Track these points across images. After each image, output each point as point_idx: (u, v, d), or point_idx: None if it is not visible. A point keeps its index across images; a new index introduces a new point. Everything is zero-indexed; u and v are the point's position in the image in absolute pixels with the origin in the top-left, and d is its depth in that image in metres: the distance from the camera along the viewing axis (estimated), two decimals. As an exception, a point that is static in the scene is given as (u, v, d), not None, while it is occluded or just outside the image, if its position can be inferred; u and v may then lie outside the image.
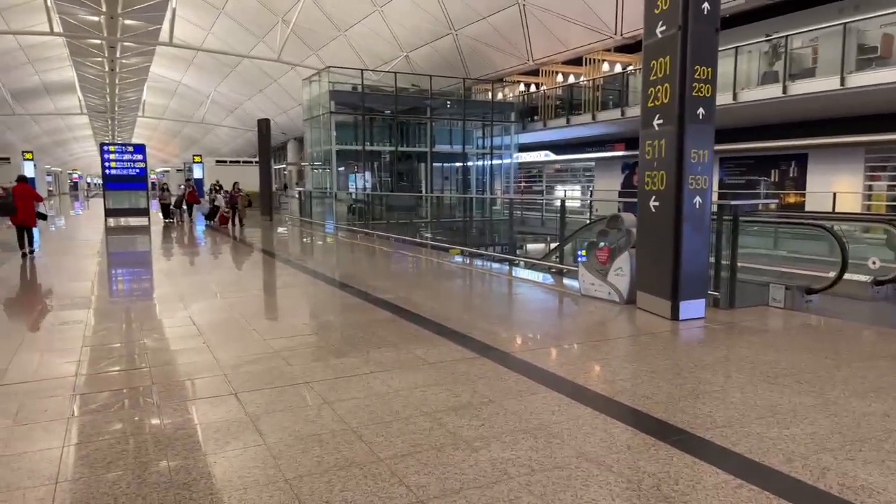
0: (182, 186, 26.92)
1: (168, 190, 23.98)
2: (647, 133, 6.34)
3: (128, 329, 6.15)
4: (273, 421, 3.60)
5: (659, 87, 6.15)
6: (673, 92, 5.95)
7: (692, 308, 6.09)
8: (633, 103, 19.67)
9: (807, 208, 17.89)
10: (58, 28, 25.81)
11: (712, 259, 6.62)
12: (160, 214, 22.28)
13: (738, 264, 6.82)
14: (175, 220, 21.71)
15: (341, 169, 24.22)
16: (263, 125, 24.89)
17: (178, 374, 4.56)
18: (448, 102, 25.58)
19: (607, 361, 4.82)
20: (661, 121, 6.15)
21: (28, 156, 41.97)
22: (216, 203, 20.78)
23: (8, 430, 3.51)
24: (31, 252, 11.71)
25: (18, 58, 32.92)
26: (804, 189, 18.29)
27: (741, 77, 16.20)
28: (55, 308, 7.20)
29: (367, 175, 24.80)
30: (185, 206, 22.51)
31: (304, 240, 17.36)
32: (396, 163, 24.75)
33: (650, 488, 2.78)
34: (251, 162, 39.78)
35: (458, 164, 26.71)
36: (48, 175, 51.50)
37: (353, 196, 24.08)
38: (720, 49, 6.48)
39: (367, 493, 2.76)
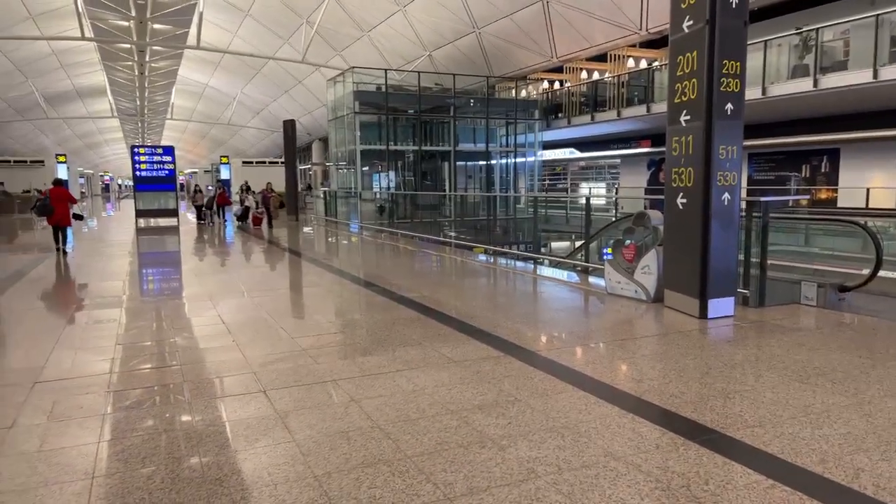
0: (210, 188, 27.49)
1: (200, 191, 24.01)
2: (674, 129, 6.26)
3: (159, 327, 6.27)
4: (301, 418, 3.64)
5: (686, 82, 6.07)
6: (700, 87, 5.86)
7: (721, 306, 6.01)
8: (659, 99, 19.44)
9: (839, 204, 17.51)
10: (89, 33, 26.39)
11: (741, 256, 6.52)
12: (188, 215, 22.68)
13: (769, 262, 6.69)
14: (207, 222, 21.77)
15: (365, 169, 24.35)
16: (289, 126, 25.14)
17: (208, 372, 4.64)
18: (471, 101, 25.56)
19: (634, 360, 4.78)
20: (688, 117, 6.07)
21: (61, 159, 43.04)
22: (246, 204, 20.84)
23: (45, 426, 3.61)
24: (64, 250, 12.42)
25: (51, 63, 33.78)
26: (836, 185, 17.89)
27: (770, 71, 15.90)
28: (89, 307, 7.37)
29: (391, 174, 24.90)
30: (215, 208, 22.46)
31: (330, 239, 17.51)
32: (420, 162, 24.81)
33: (679, 488, 2.76)
34: (277, 163, 40.26)
35: (482, 163, 26.68)
36: (81, 177, 52.69)
37: (378, 195, 24.20)
38: (749, 43, 6.36)
39: (395, 490, 2.78)
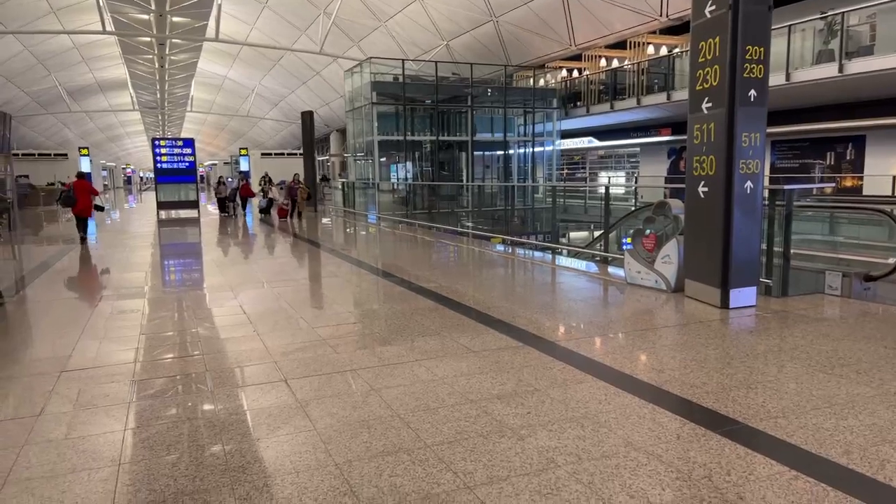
0: (230, 179, 26.41)
1: (224, 183, 23.31)
2: (696, 117, 6.17)
3: (181, 318, 6.36)
4: (322, 407, 3.68)
5: (708, 69, 5.97)
6: (723, 74, 5.77)
7: (743, 296, 5.93)
8: (680, 87, 19.17)
9: (864, 192, 17.17)
10: (110, 27, 26.67)
11: (764, 245, 6.43)
12: (209, 207, 22.84)
13: (792, 251, 6.60)
14: (230, 214, 21.45)
15: (383, 159, 24.36)
16: (307, 117, 25.23)
17: (230, 361, 4.70)
18: (489, 90, 25.41)
19: (655, 350, 4.75)
20: (710, 104, 5.98)
21: (84, 151, 43.68)
22: (271, 196, 20.51)
23: (72, 414, 3.68)
24: (84, 237, 13.13)
25: (73, 57, 34.19)
26: (862, 172, 17.53)
27: (794, 56, 15.59)
28: (114, 297, 7.49)
29: (409, 165, 24.89)
30: (238, 200, 22.14)
31: (348, 230, 17.58)
32: (437, 152, 24.76)
33: (701, 478, 2.74)
34: (295, 154, 40.44)
35: (500, 153, 26.56)
36: (104, 170, 53.45)
37: (395, 186, 24.22)
38: (772, 28, 6.24)
39: (416, 478, 2.79)
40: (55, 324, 6.13)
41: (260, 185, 25.07)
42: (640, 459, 2.92)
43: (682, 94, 18.38)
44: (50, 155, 43.47)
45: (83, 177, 14.31)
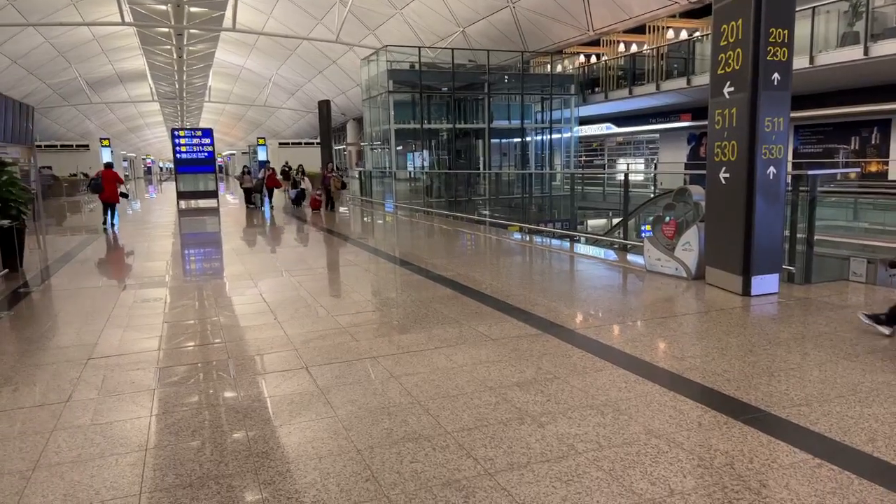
0: (248, 169, 25.81)
1: (249, 172, 21.86)
2: (717, 101, 6.08)
3: (203, 306, 6.44)
4: (343, 394, 3.71)
5: (730, 52, 5.87)
6: (745, 57, 5.67)
7: (765, 283, 5.86)
8: (700, 71, 18.86)
9: (890, 177, 16.82)
10: (129, 18, 26.86)
11: (787, 232, 6.34)
12: (227, 197, 22.86)
13: (815, 237, 6.49)
14: (257, 206, 20.13)
15: (399, 148, 24.34)
16: (324, 107, 25.29)
17: (252, 349, 4.76)
18: (506, 77, 25.23)
19: (675, 338, 4.71)
20: (731, 88, 5.88)
21: (105, 142, 44.22)
22: (302, 186, 19.49)
23: (99, 400, 3.76)
24: (113, 225, 14.24)
25: (93, 48, 34.56)
26: (887, 157, 17.16)
27: (818, 39, 15.25)
28: (137, 286, 7.60)
29: (425, 153, 24.85)
30: (265, 191, 20.65)
31: (365, 219, 17.63)
32: (454, 140, 24.69)
33: (723, 466, 2.73)
34: (312, 143, 40.58)
35: (517, 140, 26.41)
36: (124, 160, 54.11)
37: (412, 174, 24.21)
38: (796, 10, 6.10)
39: (436, 464, 2.81)
40: (80, 312, 6.24)
41: (292, 174, 23.34)
42: (662, 447, 2.91)
43: (702, 79, 18.09)
44: (72, 146, 44.16)
45: (110, 166, 15.44)
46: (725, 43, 5.93)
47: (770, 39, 5.60)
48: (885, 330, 4.52)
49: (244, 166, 24.70)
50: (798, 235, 6.41)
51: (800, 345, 4.46)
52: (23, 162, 13.11)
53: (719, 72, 6.04)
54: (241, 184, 21.68)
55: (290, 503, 2.54)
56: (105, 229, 13.64)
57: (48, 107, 40.67)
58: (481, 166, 24.87)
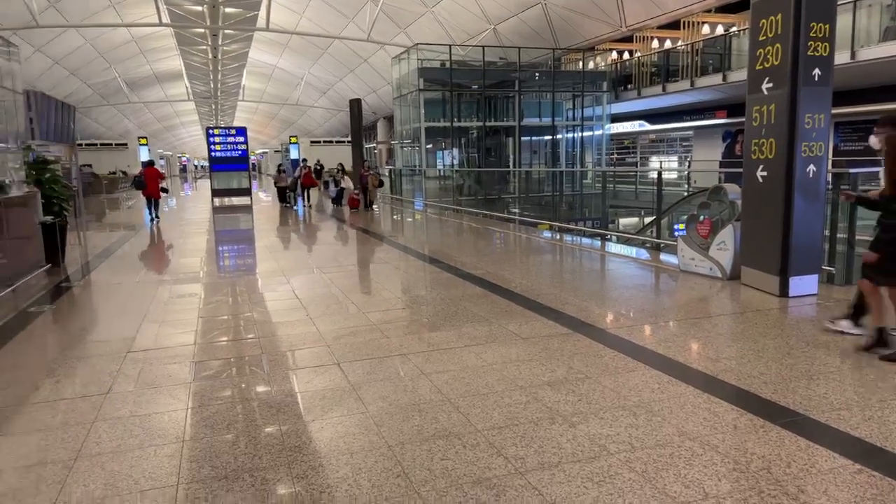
0: (283, 167, 23.70)
1: (284, 171, 21.50)
2: (755, 98, 5.95)
3: (237, 302, 6.55)
4: (374, 390, 3.74)
5: (769, 47, 5.73)
6: (785, 52, 5.53)
7: (803, 284, 5.72)
8: (737, 67, 18.47)
9: (936, 175, 16.21)
10: (166, 19, 27.44)
11: (827, 232, 6.18)
12: (260, 194, 23.07)
13: (857, 237, 6.31)
14: (291, 205, 19.64)
15: (429, 146, 24.38)
16: (355, 105, 25.42)
17: (285, 345, 4.82)
18: (537, 74, 25.07)
19: (710, 339, 4.63)
20: (770, 84, 5.75)
21: (143, 141, 45.29)
22: (342, 185, 18.78)
23: (138, 392, 3.85)
24: (157, 218, 15.50)
25: (132, 49, 35.39)
26: (933, 154, 16.56)
27: (860, 33, 14.80)
28: (173, 282, 7.77)
29: (455, 151, 24.84)
30: (300, 190, 20.07)
31: (395, 217, 17.71)
32: (484, 138, 24.64)
33: (759, 470, 2.67)
34: (343, 142, 40.92)
35: (548, 138, 26.23)
36: (161, 159, 55.30)
37: (442, 172, 24.24)
38: (838, 3, 5.94)
39: (467, 462, 2.82)
40: (119, 307, 6.40)
41: (333, 172, 22.47)
42: (696, 449, 2.87)
43: (739, 75, 17.70)
44: (111, 145, 45.37)
45: (152, 164, 16.91)
46: (764, 38, 5.80)
47: (811, 34, 5.45)
48: (857, 330, 4.46)
49: (279, 165, 24.29)
50: (838, 235, 6.24)
51: (839, 347, 4.34)
52: (64, 160, 13.51)
53: (757, 67, 5.91)
54: (275, 182, 20.82)
55: (323, 497, 2.57)
56: (153, 220, 15.31)
57: (88, 106, 41.79)
58: (511, 164, 24.78)
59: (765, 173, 5.85)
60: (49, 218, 8.59)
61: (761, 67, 5.86)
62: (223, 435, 3.19)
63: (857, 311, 4.50)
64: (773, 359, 4.09)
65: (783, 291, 5.70)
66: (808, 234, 5.69)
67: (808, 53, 5.46)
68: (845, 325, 4.57)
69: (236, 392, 3.82)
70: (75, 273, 8.44)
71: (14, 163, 8.36)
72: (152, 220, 15.39)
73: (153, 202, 15.73)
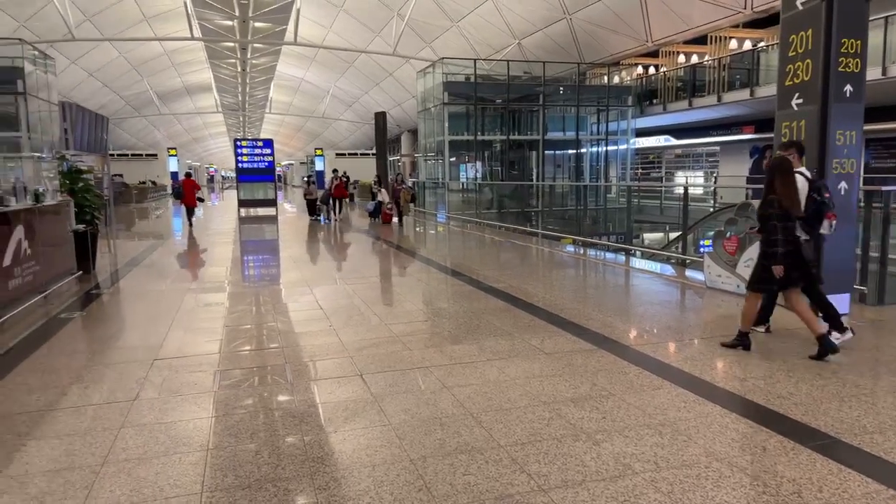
0: (304, 179, 22.47)
1: (314, 182, 20.61)
2: (784, 114, 5.87)
3: (261, 311, 6.61)
4: (396, 402, 3.74)
5: (799, 63, 5.67)
6: (816, 68, 5.47)
7: (836, 303, 5.58)
8: (765, 82, 18.27)
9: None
10: (197, 33, 28.05)
11: (859, 250, 6.05)
12: (285, 206, 23.24)
13: (890, 256, 6.18)
14: (323, 218, 18.70)
15: (453, 159, 24.45)
16: (380, 118, 25.65)
17: (308, 355, 4.85)
18: (561, 88, 25.07)
19: (738, 358, 4.55)
20: (800, 100, 5.67)
21: (172, 152, 46.18)
22: (379, 199, 18.06)
23: (164, 400, 3.90)
24: (191, 225, 16.97)
25: (164, 62, 36.21)
26: (969, 172, 16.18)
27: (892, 49, 14.55)
28: (200, 290, 7.87)
29: (478, 164, 24.89)
30: (332, 203, 18.97)
31: (417, 229, 17.76)
32: (507, 151, 24.66)
33: (790, 494, 2.61)
34: (368, 154, 41.27)
35: (571, 152, 26.16)
36: (189, 169, 56.28)
37: (465, 186, 24.28)
38: (869, 19, 5.86)
39: (489, 478, 2.80)
40: (147, 314, 6.51)
41: (372, 186, 21.27)
42: (723, 471, 2.81)
43: (767, 91, 17.50)
44: (141, 155, 46.36)
45: (190, 176, 18.45)
46: (794, 53, 5.74)
47: (842, 50, 5.39)
48: (761, 328, 5.07)
49: (308, 175, 23.60)
50: (871, 254, 6.11)
51: (872, 369, 4.23)
52: (97, 170, 13.83)
53: (787, 83, 5.84)
54: (305, 194, 19.90)
55: (345, 509, 2.57)
56: (190, 223, 17.08)
57: (121, 118, 42.75)
58: (534, 178, 24.73)
59: (794, 190, 5.75)
60: (81, 226, 8.78)
61: (791, 83, 5.79)
62: (247, 444, 3.21)
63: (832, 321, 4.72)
64: (803, 379, 4.01)
65: (815, 311, 5.58)
66: (839, 252, 5.58)
67: (840, 69, 5.39)
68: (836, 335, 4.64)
69: (260, 401, 3.85)
70: (105, 280, 8.61)
71: (49, 172, 8.59)
72: (190, 225, 16.96)
73: (189, 210, 17.41)
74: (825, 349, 4.35)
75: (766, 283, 4.61)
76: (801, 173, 4.85)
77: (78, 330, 5.96)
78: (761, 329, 5.12)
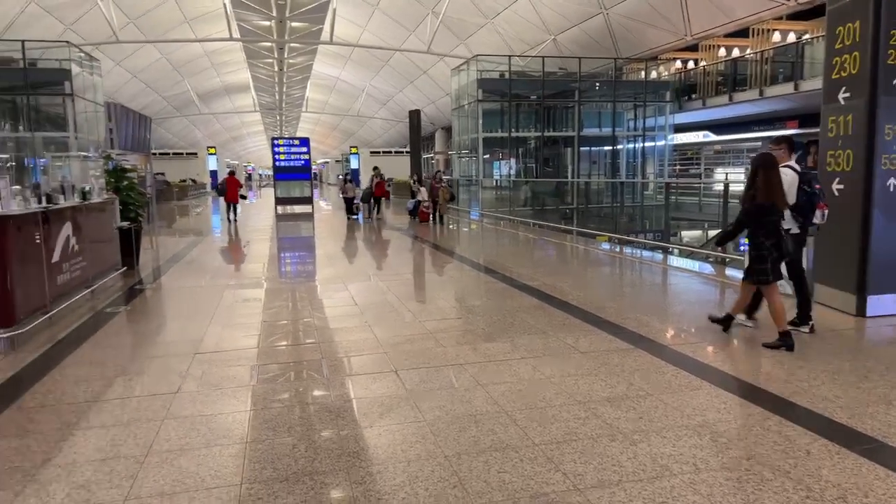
0: (340, 177, 21.84)
1: (351, 181, 20.06)
2: (830, 108, 5.69)
3: (297, 307, 6.71)
4: (430, 399, 3.75)
5: (846, 56, 5.49)
6: (863, 61, 5.28)
7: (883, 304, 5.42)
8: (810, 76, 17.72)
9: None
10: (236, 34, 28.58)
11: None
12: (321, 203, 23.48)
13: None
14: (366, 217, 18.22)
15: (487, 156, 24.39)
16: (414, 116, 25.75)
17: (343, 350, 4.91)
18: (597, 84, 24.77)
19: (780, 359, 4.43)
20: (847, 94, 5.49)
21: (212, 150, 47.19)
22: (419, 198, 17.77)
23: (205, 393, 3.99)
24: (235, 220, 17.88)
25: (203, 63, 36.99)
26: None
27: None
28: (238, 286, 8.03)
29: (512, 161, 24.78)
30: (373, 202, 18.92)
31: (451, 226, 17.76)
32: (542, 148, 24.48)
33: (834, 499, 2.53)
34: (402, 152, 41.48)
35: (608, 148, 25.83)
36: (227, 167, 57.42)
37: (498, 183, 24.19)
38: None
39: (524, 476, 2.79)
40: (187, 309, 6.67)
41: (410, 183, 21.21)
42: (765, 474, 2.75)
43: (812, 84, 16.97)
44: (182, 154, 47.52)
45: (233, 174, 19.31)
46: (841, 46, 5.55)
47: (891, 42, 5.19)
48: (750, 323, 5.31)
49: (345, 174, 22.70)
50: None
51: (923, 372, 4.08)
52: (140, 168, 14.24)
53: (833, 76, 5.66)
54: (342, 193, 19.30)
55: (380, 504, 2.59)
56: (230, 220, 17.69)
57: (162, 117, 43.84)
58: (570, 175, 24.51)
59: (841, 186, 5.58)
60: (125, 223, 9.04)
61: (837, 76, 5.61)
62: (284, 437, 3.27)
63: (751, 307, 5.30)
64: (849, 382, 3.89)
65: (860, 311, 5.41)
66: (888, 250, 5.39)
67: (889, 62, 5.20)
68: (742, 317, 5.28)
69: (297, 396, 3.91)
70: (148, 276, 8.85)
71: (95, 171, 8.87)
72: (231, 220, 17.84)
73: (232, 206, 18.38)
74: (783, 344, 4.57)
75: (760, 275, 4.74)
76: (791, 167, 5.04)
77: (123, 324, 6.14)
78: (805, 329, 5.04)
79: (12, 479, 2.86)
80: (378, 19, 29.52)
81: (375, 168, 20.06)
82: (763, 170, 4.67)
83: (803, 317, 5.10)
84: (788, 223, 4.95)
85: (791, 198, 4.86)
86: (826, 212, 5.06)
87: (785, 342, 4.55)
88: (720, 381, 3.95)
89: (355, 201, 18.95)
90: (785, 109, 20.69)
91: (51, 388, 4.12)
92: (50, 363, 4.67)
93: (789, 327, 4.70)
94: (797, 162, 5.20)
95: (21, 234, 5.36)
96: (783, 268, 4.86)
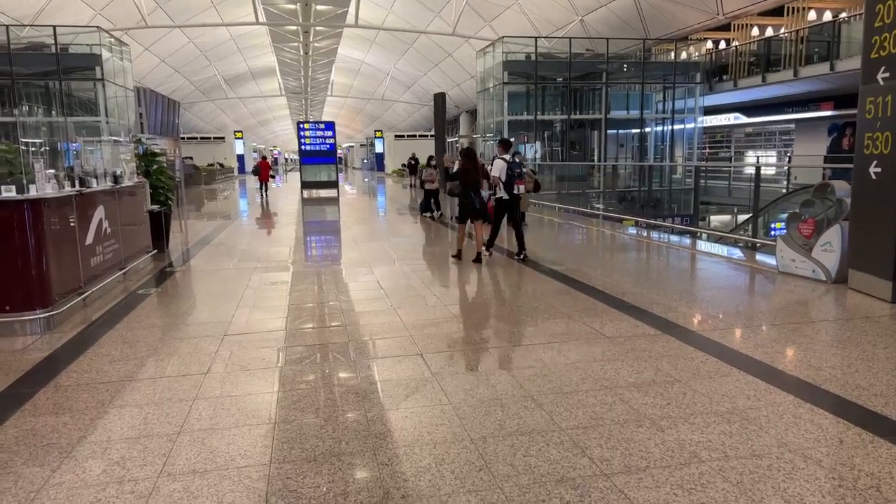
0: (432, 160, 15.75)
1: (435, 167, 15.21)
2: (869, 89, 5.51)
3: (324, 290, 6.77)
4: (456, 382, 3.77)
5: (885, 34, 5.30)
6: (906, 38, 5.09)
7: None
8: (846, 55, 17.17)
9: None
10: (262, 18, 28.64)
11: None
12: (345, 187, 23.71)
13: None
14: (434, 216, 14.14)
15: (512, 139, 24.19)
16: (439, 99, 25.61)
17: (370, 333, 4.94)
18: (625, 66, 24.34)
19: (812, 346, 4.35)
20: (886, 74, 5.31)
21: (238, 135, 47.63)
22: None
23: (234, 374, 4.06)
24: (266, 195, 23.09)
25: (230, 47, 37.20)
26: None
27: None
28: (266, 269, 8.12)
29: (538, 144, 24.55)
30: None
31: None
32: (568, 131, 24.20)
33: (867, 489, 2.49)
34: (426, 135, 41.38)
35: (635, 131, 25.43)
36: (254, 152, 57.96)
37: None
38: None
39: (550, 460, 2.79)
40: (216, 291, 6.77)
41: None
42: (797, 462, 2.70)
43: (849, 64, 16.46)
44: (210, 138, 48.07)
45: (265, 158, 24.87)
46: (881, 24, 5.36)
47: (937, 17, 4.99)
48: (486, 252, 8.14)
49: (429, 157, 16.20)
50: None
51: (963, 361, 3.96)
52: (169, 152, 14.43)
53: (872, 56, 5.48)
54: (422, 183, 14.86)
55: (408, 485, 2.62)
56: (261, 195, 22.59)
57: (190, 102, 44.28)
58: (596, 158, 24.22)
59: (879, 169, 5.42)
60: (156, 207, 9.19)
61: (877, 56, 5.42)
62: (311, 418, 3.31)
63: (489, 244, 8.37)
64: (885, 370, 3.80)
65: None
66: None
67: (934, 39, 5.00)
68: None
69: (324, 378, 3.95)
70: (177, 259, 9.00)
71: (125, 154, 9.00)
72: (263, 194, 22.91)
73: (263, 184, 23.76)
74: (479, 258, 7.96)
75: (464, 220, 8.32)
76: (504, 159, 7.90)
77: (154, 305, 6.27)
78: (513, 258, 7.82)
79: (49, 456, 2.95)
80: (403, 1, 29.33)
81: (431, 158, 16.05)
82: (463, 159, 8.11)
83: (520, 251, 8.09)
84: (500, 192, 7.97)
85: (504, 177, 7.84)
86: (522, 187, 8.12)
87: (479, 258, 7.90)
88: (750, 367, 3.89)
89: (432, 198, 14.24)
90: (820, 90, 20.12)
91: (86, 367, 4.23)
92: (85, 343, 4.79)
93: (484, 251, 8.13)
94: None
95: (56, 217, 5.48)
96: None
